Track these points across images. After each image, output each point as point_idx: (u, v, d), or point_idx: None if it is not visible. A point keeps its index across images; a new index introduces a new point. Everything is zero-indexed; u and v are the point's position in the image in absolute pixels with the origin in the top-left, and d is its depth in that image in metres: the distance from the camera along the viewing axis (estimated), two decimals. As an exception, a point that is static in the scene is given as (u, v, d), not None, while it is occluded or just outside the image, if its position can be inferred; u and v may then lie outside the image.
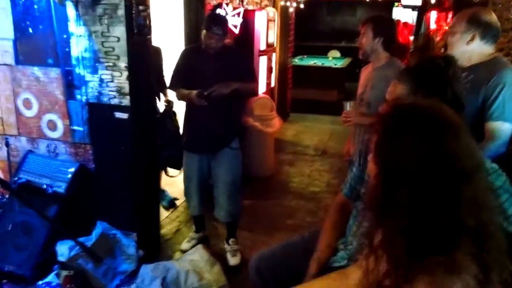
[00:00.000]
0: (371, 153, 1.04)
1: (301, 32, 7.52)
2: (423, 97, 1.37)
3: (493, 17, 2.06)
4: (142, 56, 2.78)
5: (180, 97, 2.99)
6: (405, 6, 8.98)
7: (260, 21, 4.52)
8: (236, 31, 4.23)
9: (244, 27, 4.40)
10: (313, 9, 8.68)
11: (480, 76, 2.01)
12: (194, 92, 2.75)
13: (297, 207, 3.97)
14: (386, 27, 2.61)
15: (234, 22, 4.18)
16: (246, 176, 4.37)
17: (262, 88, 5.05)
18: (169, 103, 3.57)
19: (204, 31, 2.75)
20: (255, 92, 3.36)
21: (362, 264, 1.16)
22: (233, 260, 3.06)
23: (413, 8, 9.07)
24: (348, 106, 2.63)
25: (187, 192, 3.14)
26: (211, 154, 2.99)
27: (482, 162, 0.93)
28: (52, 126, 2.95)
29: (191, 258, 3.03)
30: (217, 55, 2.80)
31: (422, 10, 8.88)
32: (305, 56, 9.28)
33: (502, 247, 0.91)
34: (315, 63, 8.63)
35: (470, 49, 2.05)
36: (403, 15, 9.08)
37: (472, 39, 2.03)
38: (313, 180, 4.65)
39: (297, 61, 7.84)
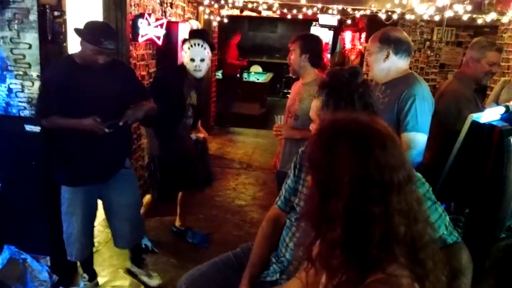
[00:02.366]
0: (307, 165, 1.04)
1: (222, 47, 7.57)
2: (334, 108, 1.44)
3: (402, 34, 2.21)
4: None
5: (58, 127, 2.33)
6: (322, 26, 9.42)
7: (183, 33, 4.44)
8: (159, 42, 4.12)
9: (167, 38, 4.30)
10: (235, 24, 8.77)
11: (395, 90, 2.13)
12: (88, 121, 2.21)
13: (223, 221, 3.92)
14: (313, 44, 2.72)
15: (157, 33, 4.06)
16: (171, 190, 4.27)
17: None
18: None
19: (88, 45, 2.22)
20: (156, 110, 2.60)
21: (301, 277, 1.14)
22: (153, 281, 2.89)
23: (329, 27, 9.56)
24: (279, 119, 2.66)
25: (69, 235, 2.54)
26: (103, 183, 2.54)
27: (412, 173, 0.96)
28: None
29: (113, 283, 2.85)
30: (103, 70, 2.30)
31: (337, 30, 9.40)
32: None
33: (437, 257, 0.94)
34: (245, 78, 8.71)
35: (387, 66, 2.17)
36: (320, 34, 9.53)
37: (387, 56, 2.15)
38: (239, 194, 4.63)
39: (220, 75, 7.86)
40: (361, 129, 0.94)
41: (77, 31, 2.26)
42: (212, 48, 3.22)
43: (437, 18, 4.98)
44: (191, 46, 3.07)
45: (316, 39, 2.84)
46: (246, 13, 8.20)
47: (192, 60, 3.06)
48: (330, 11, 5.64)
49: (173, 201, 3.56)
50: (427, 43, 6.43)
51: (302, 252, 1.46)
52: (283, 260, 1.60)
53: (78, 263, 2.85)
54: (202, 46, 3.09)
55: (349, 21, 6.55)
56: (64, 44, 2.64)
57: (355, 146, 0.91)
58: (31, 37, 2.41)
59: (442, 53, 6.51)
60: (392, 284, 0.86)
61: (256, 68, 10.28)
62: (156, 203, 3.39)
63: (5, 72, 2.47)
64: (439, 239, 1.30)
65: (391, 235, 0.89)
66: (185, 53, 3.11)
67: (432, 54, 6.47)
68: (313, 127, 1.55)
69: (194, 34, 3.42)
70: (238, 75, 8.10)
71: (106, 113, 2.25)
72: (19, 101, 2.52)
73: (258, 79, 8.65)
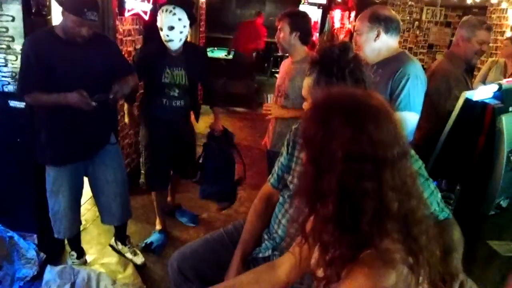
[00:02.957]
0: (301, 142, 1.03)
1: (210, 24, 7.45)
2: (325, 85, 1.42)
3: (391, 12, 2.19)
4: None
5: (42, 103, 2.26)
6: (310, 4, 9.31)
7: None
8: (146, 17, 4.02)
9: (153, 14, 4.20)
10: (222, 2, 8.63)
11: (388, 70, 2.11)
12: (74, 96, 2.13)
13: (207, 204, 3.90)
14: (302, 22, 2.67)
15: (143, 8, 3.96)
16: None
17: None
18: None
19: (70, 16, 2.11)
20: (138, 85, 2.82)
21: (295, 251, 1.14)
22: (138, 259, 2.87)
23: (318, 6, 9.45)
24: (269, 98, 2.64)
25: (55, 213, 2.51)
26: (89, 159, 2.51)
27: (407, 149, 0.95)
28: None
29: (101, 261, 2.84)
30: (86, 44, 2.23)
31: (326, 9, 9.31)
32: (216, 48, 9.21)
33: (430, 233, 0.95)
34: (225, 55, 8.61)
35: (378, 46, 2.15)
36: (308, 13, 9.43)
37: (377, 35, 2.12)
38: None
39: (208, 52, 7.78)
40: (354, 104, 0.93)
41: (59, 1, 2.17)
42: (190, 17, 2.80)
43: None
44: (160, 12, 2.74)
45: (305, 16, 2.79)
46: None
47: (161, 29, 2.73)
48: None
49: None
50: (416, 23, 6.42)
51: (295, 228, 1.46)
52: (276, 236, 1.60)
53: (66, 241, 2.83)
54: (171, 12, 2.69)
55: (339, -1, 6.49)
56: (49, 17, 2.55)
57: (348, 121, 0.90)
58: (15, 9, 2.33)
59: (430, 33, 6.52)
60: (385, 259, 0.87)
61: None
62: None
63: (-13, 46, 2.39)
64: (430, 215, 1.31)
65: (384, 211, 0.89)
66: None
67: (420, 34, 6.47)
68: (305, 105, 1.53)
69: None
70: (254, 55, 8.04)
71: (89, 88, 2.18)
72: (3, 76, 2.44)
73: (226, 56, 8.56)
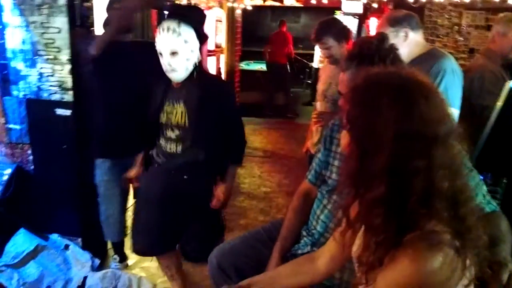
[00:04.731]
0: (344, 129, 1.01)
1: (246, 38, 7.57)
2: None
3: (401, 11, 2.19)
4: (86, 49, 2.61)
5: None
6: (346, 14, 9.27)
7: (208, 20, 4.45)
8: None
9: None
10: (257, 15, 8.75)
11: (422, 66, 2.06)
12: None
13: (249, 207, 3.92)
14: (343, 29, 2.64)
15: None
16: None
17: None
18: None
19: None
20: None
21: (335, 242, 1.13)
22: None
23: (354, 15, 9.39)
24: (319, 105, 2.59)
25: (108, 217, 2.56)
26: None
27: (454, 128, 0.92)
28: (-15, 125, 2.70)
29: (141, 265, 2.89)
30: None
31: (362, 18, 9.23)
32: (252, 61, 9.33)
33: (476, 214, 0.91)
34: (261, 68, 8.69)
35: (408, 46, 2.12)
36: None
37: (406, 36, 2.10)
38: (264, 181, 4.62)
39: (243, 65, 7.87)
40: (402, 81, 0.91)
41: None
42: (200, 37, 2.08)
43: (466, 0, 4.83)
44: (160, 31, 2.01)
45: (339, 21, 2.76)
46: (268, 2, 8.15)
47: (160, 54, 2.03)
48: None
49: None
50: (455, 27, 6.25)
51: (334, 224, 1.44)
52: (314, 232, 1.58)
53: (109, 245, 2.91)
54: (174, 32, 1.98)
55: (375, 5, 6.43)
56: (92, 28, 2.68)
57: (398, 99, 0.88)
58: (60, 21, 2.45)
59: (471, 37, 6.32)
60: (431, 241, 0.84)
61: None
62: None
63: (36, 57, 2.52)
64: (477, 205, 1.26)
65: (434, 189, 0.87)
66: None
67: (460, 38, 6.29)
68: (342, 101, 1.52)
69: (169, 12, 2.36)
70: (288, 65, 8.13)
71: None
72: (50, 85, 2.56)
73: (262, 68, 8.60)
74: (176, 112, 2.10)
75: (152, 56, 2.08)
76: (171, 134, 2.13)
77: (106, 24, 2.40)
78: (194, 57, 2.06)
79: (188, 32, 2.01)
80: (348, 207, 0.98)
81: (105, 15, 2.44)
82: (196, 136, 2.08)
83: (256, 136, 6.40)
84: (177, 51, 1.98)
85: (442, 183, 0.86)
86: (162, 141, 2.18)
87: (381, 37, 1.44)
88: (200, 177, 2.15)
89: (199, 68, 2.11)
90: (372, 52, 1.41)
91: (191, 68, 2.06)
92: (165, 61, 2.01)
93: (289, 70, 8.12)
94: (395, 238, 0.88)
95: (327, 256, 1.18)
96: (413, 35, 2.10)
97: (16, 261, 2.56)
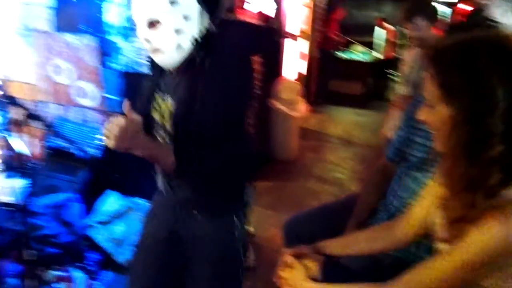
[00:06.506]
0: (433, 104, 0.98)
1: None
2: None
3: None
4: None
5: None
6: (439, 2, 8.80)
7: (293, 5, 4.49)
8: (272, 14, 4.20)
9: (277, 10, 4.37)
10: (340, 2, 8.56)
11: None
12: None
13: (321, 190, 3.94)
14: (433, 10, 2.53)
15: (267, 4, 4.14)
16: (267, 157, 4.41)
17: (293, 73, 5.04)
18: None
19: None
20: None
21: (416, 210, 1.13)
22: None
23: (447, 4, 8.88)
24: (400, 89, 2.55)
25: None
26: None
27: None
28: (84, 93, 2.97)
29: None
30: None
31: (454, 6, 8.70)
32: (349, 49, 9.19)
33: None
34: (342, 56, 8.55)
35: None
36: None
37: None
38: (336, 167, 4.60)
39: (341, 54, 7.96)
40: (496, 38, 0.91)
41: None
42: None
43: None
44: None
45: (429, 1, 2.66)
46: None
47: (135, 26, 1.35)
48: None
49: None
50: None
51: (412, 199, 1.43)
52: (391, 207, 1.59)
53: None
54: None
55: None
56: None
57: (498, 56, 0.87)
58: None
59: None
60: None
61: (358, 48, 9.96)
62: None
63: (134, 32, 2.71)
64: None
65: None
66: None
67: None
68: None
69: None
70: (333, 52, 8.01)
71: None
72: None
73: (363, 58, 8.39)
74: (162, 110, 1.43)
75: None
76: (162, 139, 1.44)
77: None
78: (192, 27, 1.30)
79: None
80: (462, 175, 0.94)
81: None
82: (178, 150, 1.32)
83: (330, 123, 6.37)
84: (157, 19, 1.26)
85: None
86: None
87: (477, 8, 1.40)
88: (213, 215, 1.46)
89: (209, 42, 1.33)
90: (463, 24, 1.37)
91: (187, 45, 1.31)
92: (141, 36, 1.31)
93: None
94: (495, 193, 0.89)
95: (406, 224, 1.19)
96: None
97: (106, 219, 2.83)
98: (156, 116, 1.44)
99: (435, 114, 0.97)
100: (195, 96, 1.30)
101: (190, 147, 1.32)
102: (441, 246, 1.02)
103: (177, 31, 1.28)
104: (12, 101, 1.77)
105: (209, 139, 1.31)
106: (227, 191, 1.45)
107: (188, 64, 1.33)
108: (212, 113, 1.30)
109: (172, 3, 1.25)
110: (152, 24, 1.26)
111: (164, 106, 1.41)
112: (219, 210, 1.46)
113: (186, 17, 1.28)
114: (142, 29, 1.29)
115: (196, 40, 1.31)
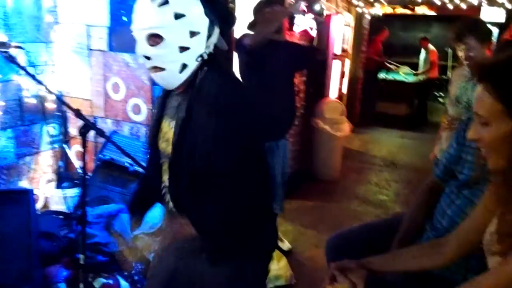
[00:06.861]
0: (491, 121, 0.97)
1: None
2: None
3: None
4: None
5: None
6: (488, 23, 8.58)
7: (336, 25, 4.53)
8: (313, 33, 4.27)
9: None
10: (385, 23, 8.53)
11: None
12: None
13: (364, 212, 3.89)
14: (486, 30, 2.47)
15: (311, 24, 4.21)
16: (310, 176, 4.40)
17: (334, 93, 5.05)
18: None
19: None
20: None
21: (466, 226, 1.12)
22: (284, 245, 3.05)
23: (494, 25, 8.65)
24: (451, 110, 2.48)
25: None
26: None
27: None
28: (137, 110, 3.12)
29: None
30: None
31: (504, 27, 8.46)
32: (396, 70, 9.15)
33: None
34: (385, 77, 8.48)
35: None
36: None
37: None
38: (381, 189, 4.53)
39: (384, 75, 7.95)
40: None
41: None
42: (213, 9, 1.17)
43: None
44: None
45: (483, 21, 2.62)
46: (398, 10, 7.95)
47: (135, 41, 1.22)
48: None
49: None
50: None
51: (461, 218, 1.40)
52: (439, 227, 1.55)
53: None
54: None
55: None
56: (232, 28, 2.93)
57: None
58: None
59: None
60: None
61: (405, 69, 9.83)
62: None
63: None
64: None
65: None
66: None
67: None
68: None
69: None
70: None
71: None
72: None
73: (407, 79, 8.28)
74: (164, 136, 1.29)
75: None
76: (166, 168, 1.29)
77: (252, 25, 2.62)
78: (199, 44, 1.17)
79: (180, 2, 1.13)
80: None
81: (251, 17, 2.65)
82: (174, 180, 1.22)
83: (375, 144, 6.28)
84: (159, 33, 1.13)
85: None
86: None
87: None
88: (224, 259, 1.25)
89: (216, 64, 1.21)
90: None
91: (193, 64, 1.18)
92: (141, 51, 1.18)
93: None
94: None
95: (454, 242, 1.17)
96: None
97: (152, 230, 2.92)
98: (162, 144, 1.30)
99: (491, 131, 0.95)
100: (187, 119, 1.14)
101: (188, 177, 1.12)
102: (493, 259, 1.00)
103: (180, 48, 1.14)
104: (77, 113, 1.86)
105: (208, 174, 1.09)
106: (234, 233, 1.21)
107: (190, 83, 1.18)
108: (213, 144, 1.09)
109: (177, 16, 1.09)
110: (153, 37, 1.13)
111: (166, 128, 1.26)
112: (225, 253, 1.23)
113: (193, 33, 1.13)
114: (141, 44, 1.16)
115: (203, 58, 1.18)
